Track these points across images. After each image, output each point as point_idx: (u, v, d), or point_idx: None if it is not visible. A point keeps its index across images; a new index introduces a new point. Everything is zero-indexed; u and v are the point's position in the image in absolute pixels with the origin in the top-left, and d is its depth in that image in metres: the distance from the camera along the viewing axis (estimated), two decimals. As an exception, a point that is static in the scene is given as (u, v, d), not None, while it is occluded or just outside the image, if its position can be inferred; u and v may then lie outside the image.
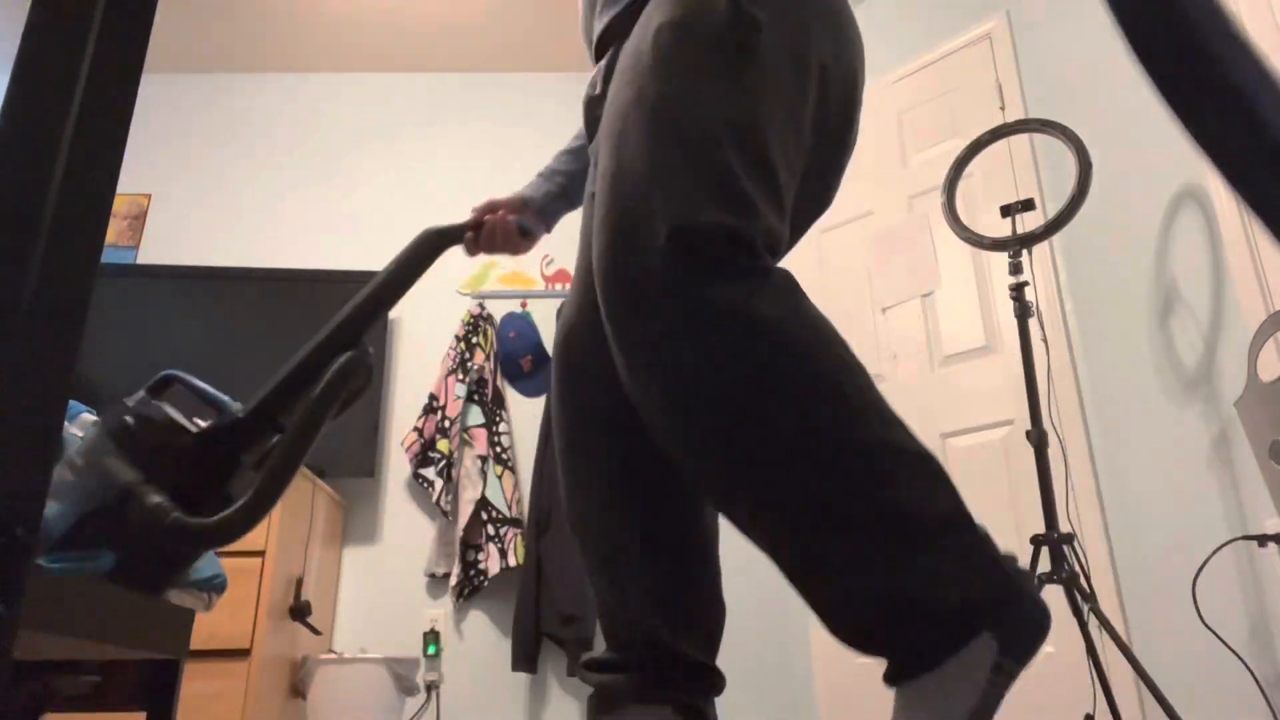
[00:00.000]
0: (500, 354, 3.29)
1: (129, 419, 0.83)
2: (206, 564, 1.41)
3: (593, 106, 1.12)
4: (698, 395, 0.79)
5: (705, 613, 1.07)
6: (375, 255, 3.48)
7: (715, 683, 1.06)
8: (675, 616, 1.03)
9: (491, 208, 1.33)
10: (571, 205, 1.43)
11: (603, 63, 1.12)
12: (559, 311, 3.51)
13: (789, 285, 0.83)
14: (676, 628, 1.03)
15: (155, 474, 0.80)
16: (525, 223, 1.37)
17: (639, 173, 0.85)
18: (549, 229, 1.42)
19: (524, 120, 3.75)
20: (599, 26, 1.11)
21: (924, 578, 0.75)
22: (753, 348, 0.78)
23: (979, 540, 0.77)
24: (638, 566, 1.03)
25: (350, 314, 0.97)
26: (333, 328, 0.95)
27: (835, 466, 0.77)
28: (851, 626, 0.83)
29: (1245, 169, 0.25)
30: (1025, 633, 0.75)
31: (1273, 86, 0.25)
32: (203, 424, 0.87)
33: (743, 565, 3.17)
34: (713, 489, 0.84)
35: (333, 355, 0.91)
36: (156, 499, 0.77)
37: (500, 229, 1.32)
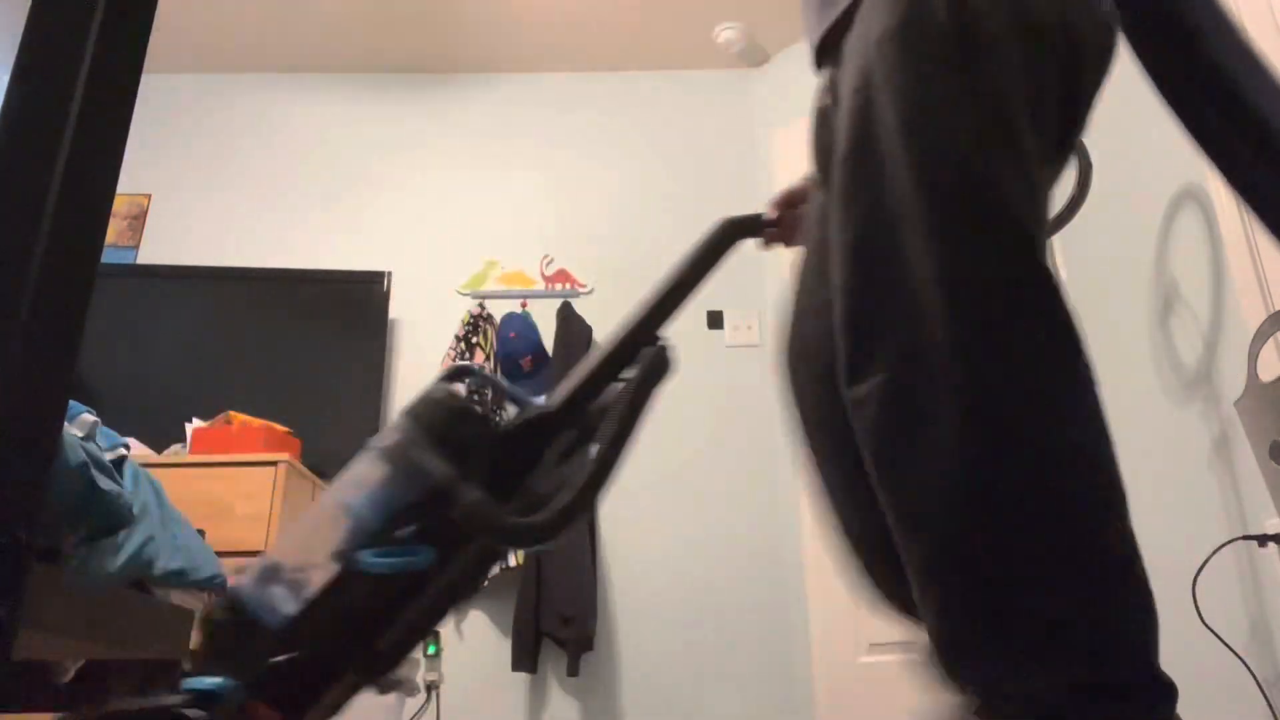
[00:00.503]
0: (500, 354, 3.29)
1: (441, 412, 0.81)
2: (207, 564, 1.41)
3: (824, 118, 1.06)
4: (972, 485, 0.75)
5: None
6: (375, 255, 3.48)
7: None
8: None
9: (791, 201, 1.23)
10: None
11: (825, 73, 1.06)
12: (559, 311, 3.48)
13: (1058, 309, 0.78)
14: None
15: (468, 468, 0.78)
16: None
17: (896, 213, 0.81)
18: None
19: (525, 120, 3.75)
20: (816, 33, 1.04)
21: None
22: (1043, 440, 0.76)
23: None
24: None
25: (650, 308, 0.95)
26: (634, 323, 0.93)
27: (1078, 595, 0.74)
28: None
29: (1248, 174, 0.25)
30: None
31: (1271, 86, 0.25)
32: (507, 418, 0.85)
33: (742, 565, 3.17)
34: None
35: (634, 350, 0.90)
36: (477, 496, 0.75)
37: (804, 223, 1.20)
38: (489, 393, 0.88)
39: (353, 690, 0.78)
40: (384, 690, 0.80)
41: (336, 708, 0.78)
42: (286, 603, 0.73)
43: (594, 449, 0.85)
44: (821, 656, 2.88)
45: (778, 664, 3.01)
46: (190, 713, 0.67)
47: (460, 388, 0.86)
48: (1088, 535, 0.75)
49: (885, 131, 0.84)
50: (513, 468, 0.83)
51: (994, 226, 0.79)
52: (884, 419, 0.79)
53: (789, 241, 1.25)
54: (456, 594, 0.81)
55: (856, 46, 0.92)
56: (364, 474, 0.80)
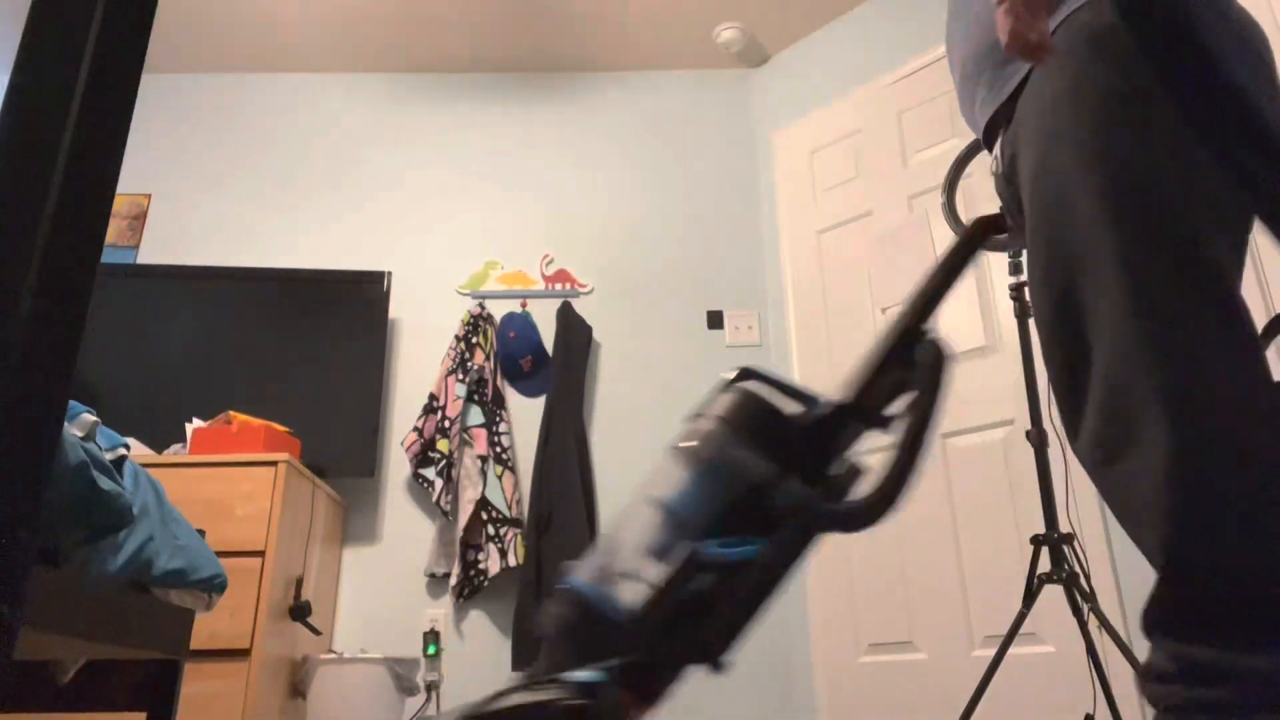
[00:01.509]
0: (500, 354, 3.29)
1: (751, 412, 0.87)
2: (207, 564, 1.41)
3: (1003, 183, 1.13)
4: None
5: None
6: (375, 255, 3.48)
7: None
8: None
9: None
10: None
11: (998, 145, 1.11)
12: (559, 311, 3.49)
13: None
14: None
15: (781, 461, 0.84)
16: None
17: (1101, 245, 0.85)
18: None
19: (527, 120, 3.75)
20: (983, 116, 1.10)
21: None
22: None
23: None
24: None
25: (916, 305, 1.01)
26: (904, 319, 0.98)
27: None
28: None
29: (1250, 174, 0.25)
30: None
31: (1276, 91, 0.25)
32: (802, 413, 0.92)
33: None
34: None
35: (908, 343, 0.96)
36: (800, 488, 0.81)
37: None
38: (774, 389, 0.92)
39: (682, 674, 0.83)
40: (719, 670, 0.84)
41: (670, 692, 0.83)
42: (629, 598, 0.79)
43: (899, 437, 0.88)
44: (821, 656, 2.88)
45: (778, 664, 3.01)
46: (575, 702, 0.74)
47: (754, 386, 0.91)
48: None
49: (1079, 187, 0.88)
50: (816, 459, 0.88)
51: (1199, 290, 0.84)
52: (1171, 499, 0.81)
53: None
54: (779, 580, 0.85)
55: (1035, 107, 0.97)
56: (677, 475, 0.85)
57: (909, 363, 0.94)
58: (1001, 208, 1.19)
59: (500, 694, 0.80)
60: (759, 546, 0.81)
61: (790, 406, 0.92)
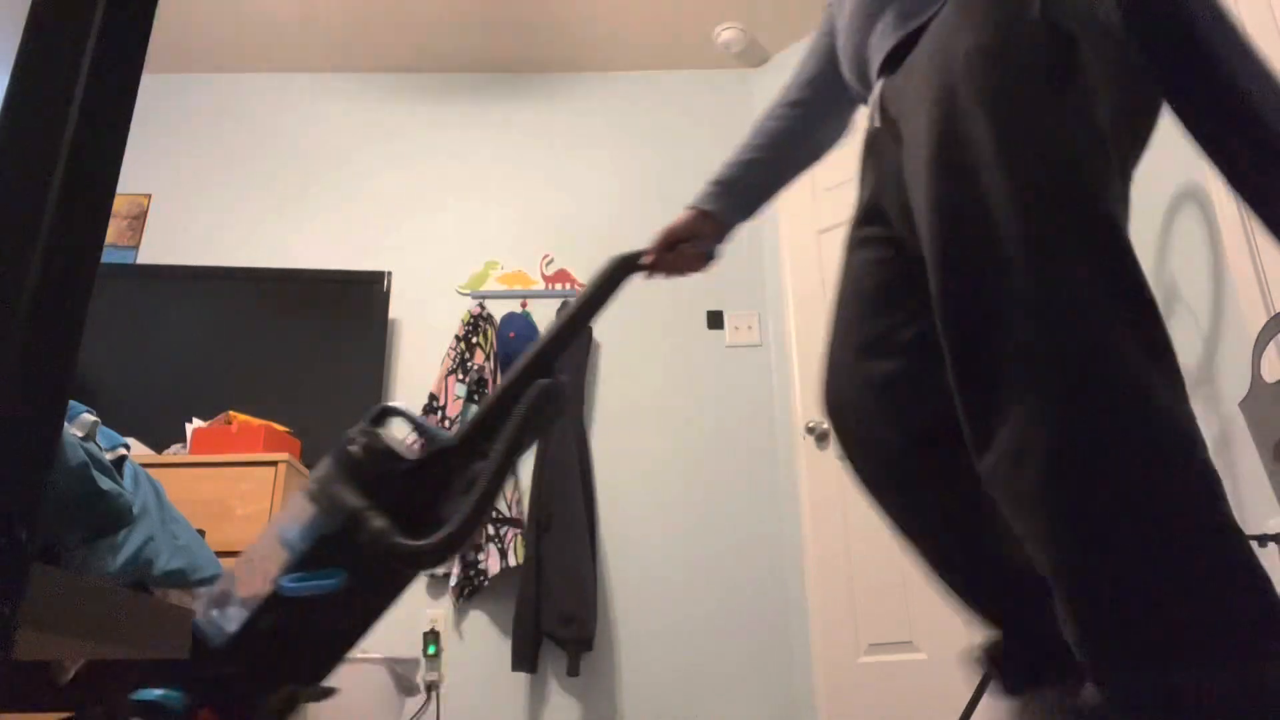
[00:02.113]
0: (500, 354, 3.29)
1: (354, 449, 0.92)
2: (207, 564, 1.41)
3: (877, 140, 1.10)
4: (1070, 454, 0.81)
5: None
6: (375, 255, 3.48)
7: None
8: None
9: (670, 240, 1.31)
10: (746, 215, 1.35)
11: (877, 92, 1.08)
12: (559, 310, 3.50)
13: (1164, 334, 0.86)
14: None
15: (379, 499, 0.88)
16: (709, 248, 1.34)
17: (998, 214, 0.84)
18: (726, 241, 1.39)
19: (527, 120, 3.75)
20: (886, 44, 1.05)
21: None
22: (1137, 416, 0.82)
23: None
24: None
25: (543, 344, 1.04)
26: (528, 358, 1.02)
27: (1184, 565, 0.77)
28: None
29: (1250, 175, 0.25)
30: None
31: (1274, 88, 0.25)
32: (416, 452, 0.95)
33: (742, 565, 3.17)
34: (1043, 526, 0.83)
35: (529, 384, 0.98)
36: (380, 523, 0.86)
37: (686, 261, 1.33)
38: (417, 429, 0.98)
39: (291, 700, 0.88)
40: (316, 698, 0.89)
41: (281, 715, 0.87)
42: (230, 623, 0.84)
43: (480, 478, 0.93)
44: (821, 656, 2.88)
45: (778, 664, 3.01)
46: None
47: (388, 429, 0.95)
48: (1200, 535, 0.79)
49: (978, 146, 0.86)
50: (423, 497, 0.92)
51: (1097, 238, 0.83)
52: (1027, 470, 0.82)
53: (669, 273, 1.35)
54: (372, 611, 0.91)
55: (933, 61, 0.94)
56: (296, 508, 0.91)
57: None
58: (866, 170, 1.15)
59: (82, 710, 0.86)
60: (336, 581, 0.85)
61: (410, 447, 0.97)
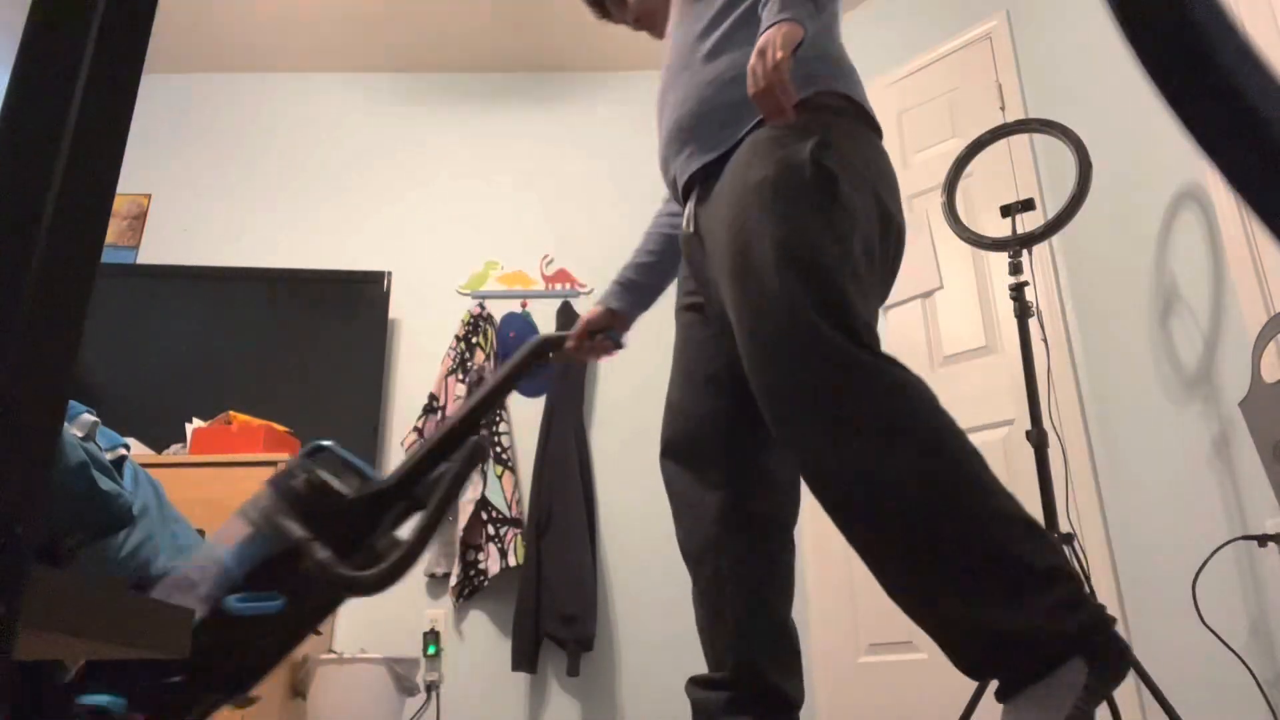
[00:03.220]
0: (500, 354, 3.29)
1: (297, 483, 1.01)
2: (206, 564, 1.41)
3: (690, 243, 1.40)
4: (855, 444, 1.07)
5: (788, 647, 1.32)
6: (375, 255, 3.48)
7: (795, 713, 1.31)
8: (765, 649, 1.29)
9: (588, 331, 1.60)
10: (644, 308, 1.72)
11: (691, 204, 1.38)
12: (559, 311, 3.50)
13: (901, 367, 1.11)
14: (767, 659, 1.28)
15: (320, 531, 0.97)
16: (617, 337, 1.66)
17: (780, 298, 1.12)
18: (628, 330, 1.73)
19: (527, 120, 3.75)
20: (690, 168, 1.35)
21: (1029, 614, 0.96)
22: (896, 409, 1.07)
23: (1075, 587, 0.98)
24: (737, 603, 1.29)
25: (471, 406, 1.19)
26: (457, 419, 1.17)
27: (958, 524, 1.00)
28: (970, 657, 1.02)
29: (1248, 172, 0.25)
30: (1111, 660, 0.96)
31: (1275, 89, 0.25)
32: (349, 489, 1.06)
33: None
34: (854, 529, 1.09)
35: (457, 440, 1.12)
36: (324, 554, 0.95)
37: (599, 349, 1.62)
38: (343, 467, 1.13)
39: (214, 707, 0.98)
40: (240, 706, 1.00)
41: (209, 714, 0.98)
42: None
43: (421, 518, 1.03)
44: (821, 656, 2.88)
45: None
46: None
47: (319, 461, 1.06)
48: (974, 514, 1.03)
49: (760, 249, 1.15)
50: (357, 530, 1.03)
51: (847, 325, 1.10)
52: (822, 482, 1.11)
53: (583, 359, 1.64)
54: (301, 631, 1.01)
55: (732, 188, 1.23)
56: (234, 531, 0.99)
57: (452, 456, 1.11)
58: (686, 265, 1.47)
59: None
60: (279, 603, 0.96)
61: (345, 484, 1.07)
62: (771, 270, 1.13)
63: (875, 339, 1.13)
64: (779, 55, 1.11)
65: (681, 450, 1.39)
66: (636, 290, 1.67)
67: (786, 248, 1.14)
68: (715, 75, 1.32)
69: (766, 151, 1.20)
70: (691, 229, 1.37)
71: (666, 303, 3.48)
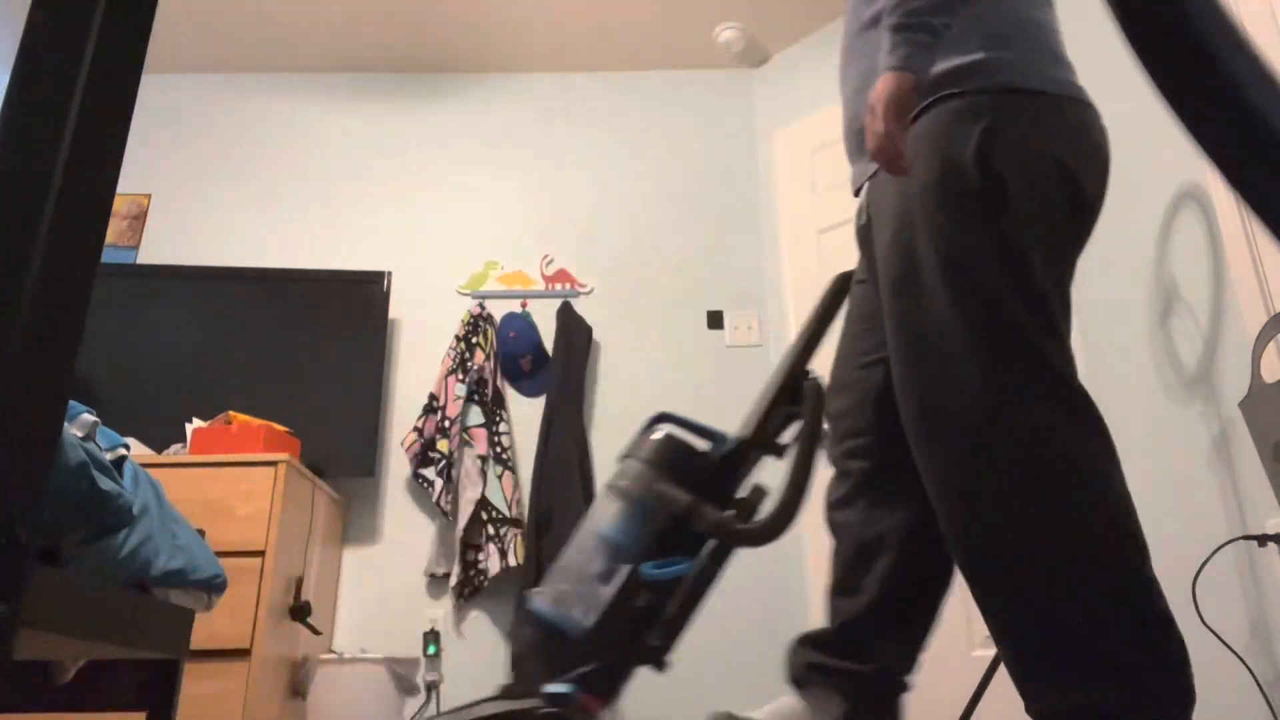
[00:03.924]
0: (500, 354, 3.29)
1: (664, 450, 1.05)
2: (206, 564, 1.41)
3: (864, 233, 1.34)
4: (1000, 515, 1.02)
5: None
6: (375, 255, 3.48)
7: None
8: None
9: None
10: None
11: (862, 198, 1.33)
12: (559, 311, 3.49)
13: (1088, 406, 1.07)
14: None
15: (698, 491, 1.00)
16: None
17: (944, 327, 1.07)
18: None
19: (527, 120, 3.75)
20: (863, 170, 1.30)
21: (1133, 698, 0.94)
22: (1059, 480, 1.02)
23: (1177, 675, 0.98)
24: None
25: (798, 350, 1.21)
26: (789, 362, 1.19)
27: (1102, 615, 0.99)
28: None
29: (1249, 173, 0.25)
30: None
31: (1275, 88, 0.25)
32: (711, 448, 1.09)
33: (742, 564, 3.17)
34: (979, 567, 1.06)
35: (795, 383, 1.14)
36: (714, 513, 0.98)
37: None
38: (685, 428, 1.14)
39: (632, 674, 1.00)
40: (661, 670, 1.02)
41: (625, 685, 1.01)
42: (583, 617, 0.95)
43: (791, 462, 1.05)
44: (821, 656, 2.88)
45: (778, 664, 3.01)
46: (549, 710, 0.90)
47: (667, 429, 1.08)
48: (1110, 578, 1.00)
49: (927, 267, 1.08)
50: (726, 486, 1.06)
51: (1016, 348, 1.03)
52: (950, 502, 1.07)
53: None
54: (706, 589, 1.02)
55: (894, 187, 1.16)
56: (613, 509, 1.02)
57: (796, 400, 1.12)
58: (861, 254, 1.40)
59: (479, 702, 0.92)
60: (687, 564, 0.98)
61: (701, 443, 1.09)
62: (937, 298, 1.07)
63: (1056, 370, 1.05)
64: (882, 121, 1.07)
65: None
66: None
67: (948, 260, 1.07)
68: (871, 67, 1.22)
69: (929, 150, 1.12)
70: (864, 218, 1.31)
71: (666, 303, 3.48)
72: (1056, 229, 1.10)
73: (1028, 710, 0.99)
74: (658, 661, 0.98)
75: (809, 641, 1.35)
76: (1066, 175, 1.11)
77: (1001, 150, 1.08)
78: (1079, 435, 1.05)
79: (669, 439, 1.05)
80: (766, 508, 1.00)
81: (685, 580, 0.97)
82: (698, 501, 0.98)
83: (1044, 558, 0.98)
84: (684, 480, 1.01)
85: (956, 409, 1.05)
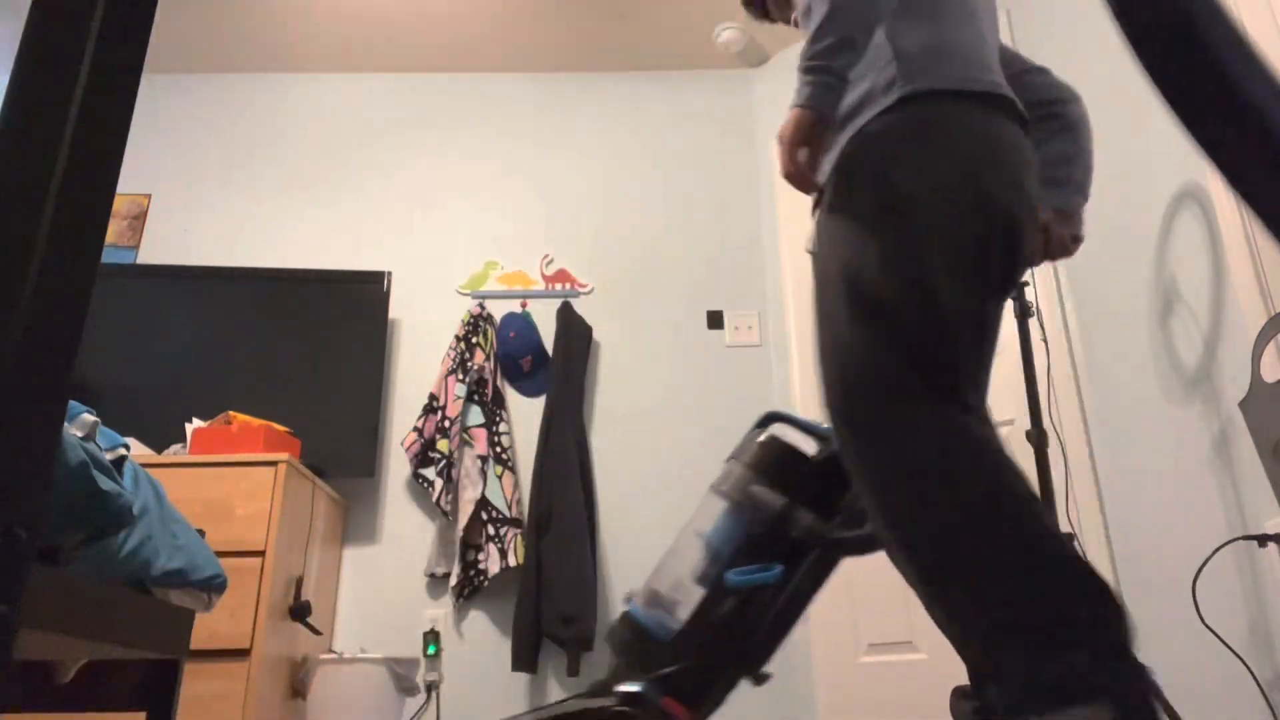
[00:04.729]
0: (500, 354, 3.29)
1: (764, 453, 1.02)
2: (206, 564, 1.41)
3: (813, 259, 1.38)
4: (905, 508, 1.01)
5: None
6: (375, 255, 3.48)
7: None
8: None
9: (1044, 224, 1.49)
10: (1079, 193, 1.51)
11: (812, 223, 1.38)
12: (559, 311, 3.50)
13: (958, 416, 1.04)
14: None
15: (795, 496, 0.98)
16: (1076, 231, 1.50)
17: (843, 342, 1.08)
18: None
19: (527, 120, 3.75)
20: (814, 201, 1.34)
21: (1063, 667, 0.92)
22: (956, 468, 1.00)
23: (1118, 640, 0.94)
24: None
25: None
26: None
27: (1010, 569, 0.95)
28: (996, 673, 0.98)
29: (1250, 175, 0.25)
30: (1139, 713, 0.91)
31: (1275, 88, 0.25)
32: (812, 451, 1.06)
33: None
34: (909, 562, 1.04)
35: None
36: (808, 518, 0.96)
37: (1057, 242, 1.47)
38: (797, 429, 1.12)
39: (731, 685, 0.96)
40: (759, 683, 0.98)
41: (721, 701, 0.97)
42: (672, 620, 0.94)
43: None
44: (821, 656, 2.88)
45: (778, 664, 3.01)
46: (621, 709, 0.89)
47: (774, 429, 1.06)
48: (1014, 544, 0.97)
49: (832, 287, 1.12)
50: (832, 491, 1.01)
51: (908, 363, 1.04)
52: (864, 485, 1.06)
53: (1049, 257, 1.52)
54: (804, 599, 0.98)
55: (819, 214, 1.22)
56: (712, 510, 1.00)
57: None
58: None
59: (564, 700, 0.92)
60: (777, 571, 0.95)
61: (809, 445, 1.04)
62: (842, 317, 1.10)
63: (940, 381, 1.05)
64: (784, 153, 1.14)
65: None
66: (1057, 180, 1.48)
67: (850, 287, 1.10)
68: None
69: (837, 175, 1.19)
70: (811, 246, 1.37)
71: (666, 303, 3.48)
72: (961, 240, 1.10)
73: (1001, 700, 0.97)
74: (751, 672, 0.95)
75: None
76: (972, 186, 1.11)
77: (900, 167, 1.11)
78: (955, 438, 1.03)
79: (770, 440, 1.03)
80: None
81: (775, 587, 0.95)
82: (792, 505, 0.96)
83: (961, 543, 0.98)
84: (782, 484, 0.99)
85: (862, 429, 1.05)
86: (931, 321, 1.06)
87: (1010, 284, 1.15)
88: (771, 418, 1.07)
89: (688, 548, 0.99)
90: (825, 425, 1.09)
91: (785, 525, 0.95)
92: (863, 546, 0.94)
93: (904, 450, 1.01)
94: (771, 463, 1.00)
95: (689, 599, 0.93)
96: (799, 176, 1.17)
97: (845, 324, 1.09)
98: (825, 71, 1.14)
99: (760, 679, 0.96)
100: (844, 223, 1.14)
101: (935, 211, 1.09)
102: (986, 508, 0.97)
